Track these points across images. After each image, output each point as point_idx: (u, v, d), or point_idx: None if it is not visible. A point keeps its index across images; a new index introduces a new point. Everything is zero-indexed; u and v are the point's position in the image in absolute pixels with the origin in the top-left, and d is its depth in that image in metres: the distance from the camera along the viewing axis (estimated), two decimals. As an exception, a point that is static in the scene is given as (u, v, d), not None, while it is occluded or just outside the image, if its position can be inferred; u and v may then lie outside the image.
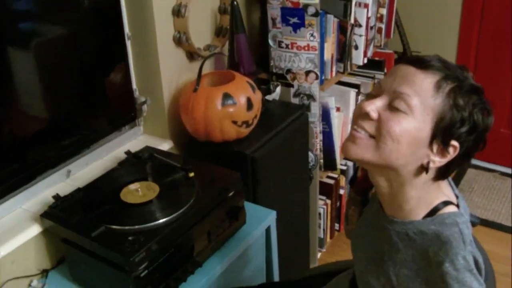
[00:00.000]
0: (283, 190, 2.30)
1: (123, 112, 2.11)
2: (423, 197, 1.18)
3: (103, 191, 1.72)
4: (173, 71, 2.09)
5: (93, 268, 1.58)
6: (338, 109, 2.60)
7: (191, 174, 1.75)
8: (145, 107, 2.12)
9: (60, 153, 1.90)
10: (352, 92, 2.65)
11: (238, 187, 1.80)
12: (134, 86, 2.10)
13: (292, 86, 2.38)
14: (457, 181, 3.56)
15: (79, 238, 1.56)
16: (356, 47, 2.52)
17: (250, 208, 1.92)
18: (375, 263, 1.27)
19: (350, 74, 2.69)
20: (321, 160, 2.60)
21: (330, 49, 2.37)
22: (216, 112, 1.95)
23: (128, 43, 2.04)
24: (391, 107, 1.11)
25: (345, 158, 2.86)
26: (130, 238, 1.49)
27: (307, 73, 2.31)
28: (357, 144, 1.15)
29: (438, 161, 1.13)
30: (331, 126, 2.52)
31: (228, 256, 1.78)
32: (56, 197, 1.70)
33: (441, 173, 1.16)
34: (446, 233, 1.12)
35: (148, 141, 2.14)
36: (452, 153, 1.12)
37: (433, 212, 1.17)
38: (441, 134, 1.10)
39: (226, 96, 1.95)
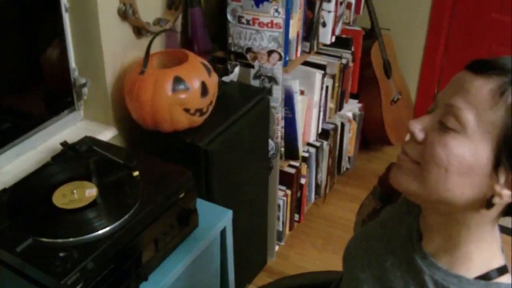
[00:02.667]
0: (240, 183, 2.14)
1: (60, 95, 1.90)
2: (480, 248, 0.96)
3: (32, 192, 1.52)
4: (117, 49, 1.89)
5: (19, 287, 1.38)
6: (302, 93, 2.43)
7: (135, 173, 1.55)
8: (85, 89, 1.90)
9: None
10: (318, 73, 2.49)
11: (190, 187, 1.62)
12: (73, 65, 1.89)
13: (252, 67, 2.20)
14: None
15: (2, 253, 1.36)
16: (324, 24, 2.35)
17: (203, 206, 1.74)
18: None
19: (315, 53, 2.52)
20: (282, 149, 2.43)
21: (296, 27, 2.19)
22: (166, 98, 1.76)
23: (66, 16, 1.82)
24: (441, 125, 0.90)
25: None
26: (61, 254, 1.30)
27: (270, 53, 2.13)
28: (400, 171, 0.96)
29: (507, 195, 0.87)
30: (294, 112, 2.35)
31: (178, 265, 1.60)
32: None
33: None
34: None
35: (88, 128, 1.94)
36: None
37: (487, 276, 0.94)
38: (508, 158, 0.85)
39: (178, 80, 1.76)
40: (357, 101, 3.24)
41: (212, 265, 1.88)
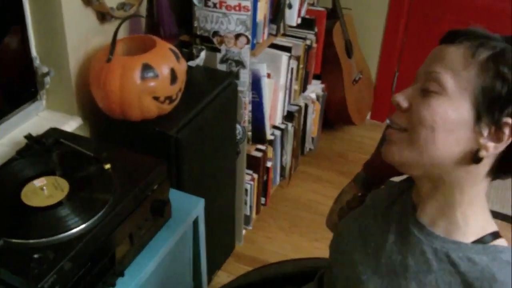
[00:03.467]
0: (209, 170, 2.09)
1: (21, 86, 1.80)
2: (475, 212, 1.00)
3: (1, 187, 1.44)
4: (81, 35, 1.80)
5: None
6: (268, 76, 2.38)
7: (107, 166, 1.49)
8: (48, 78, 1.82)
9: None
10: (284, 56, 2.45)
11: (163, 178, 1.57)
12: (34, 53, 1.80)
13: (219, 50, 2.15)
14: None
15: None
16: (290, 6, 2.31)
17: (175, 196, 1.70)
18: (388, 277, 1.06)
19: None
20: (249, 133, 2.39)
21: (263, 9, 2.14)
22: (134, 87, 1.70)
23: (26, 2, 1.72)
24: (424, 92, 0.97)
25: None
26: (36, 256, 1.24)
27: (237, 36, 2.08)
28: (391, 142, 1.01)
29: (492, 146, 0.93)
30: (262, 95, 2.31)
31: (153, 258, 1.56)
32: None
33: (502, 167, 0.98)
34: (502, 273, 0.93)
35: (52, 118, 1.86)
36: (508, 133, 0.93)
37: (483, 240, 0.99)
38: (487, 111, 0.92)
39: (146, 67, 1.70)
40: (319, 81, 3.22)
41: (185, 254, 1.84)
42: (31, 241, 1.28)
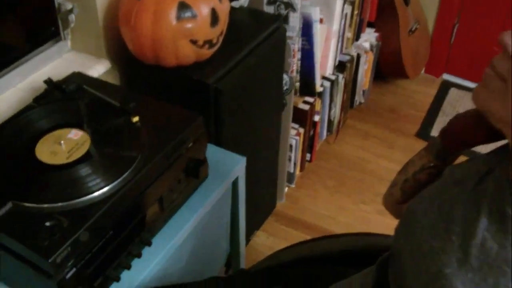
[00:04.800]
0: (251, 124, 1.88)
1: (43, 23, 1.60)
2: None
3: (11, 143, 1.25)
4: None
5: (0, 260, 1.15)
6: (321, 21, 2.14)
7: (135, 119, 1.29)
8: (72, 16, 1.61)
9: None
10: (339, 0, 2.19)
11: (200, 134, 1.37)
12: (56, -13, 1.59)
13: (266, -10, 1.91)
14: (439, 102, 3.21)
15: (-26, 219, 1.11)
16: None
17: (213, 153, 1.50)
18: (481, 271, 0.82)
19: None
20: (297, 83, 2.17)
21: None
22: (169, 28, 1.49)
23: None
24: None
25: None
26: (48, 223, 1.06)
27: (287, -26, 1.84)
28: (484, 87, 0.82)
29: None
30: (313, 43, 2.08)
31: (185, 225, 1.37)
32: None
33: None
34: None
35: (77, 61, 1.66)
36: None
37: None
38: None
39: (183, 6, 1.48)
40: (373, 30, 2.95)
41: (222, 219, 1.65)
42: (45, 205, 1.10)
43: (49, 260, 1.00)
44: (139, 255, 1.25)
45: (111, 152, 1.22)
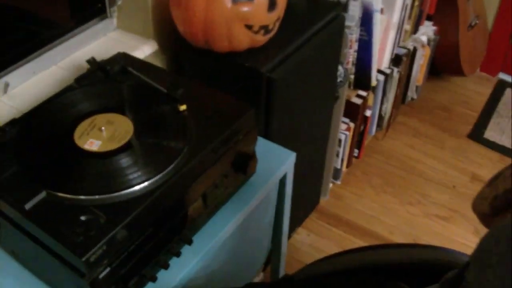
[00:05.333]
0: (302, 118, 1.77)
1: (88, 0, 1.51)
2: None
3: (48, 126, 1.17)
4: None
5: (30, 250, 1.06)
6: (381, 11, 2.01)
7: (183, 107, 1.19)
8: (120, -8, 1.52)
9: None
10: (401, -12, 2.06)
11: (250, 127, 1.26)
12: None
13: (326, -25, 1.79)
14: (493, 103, 3.05)
15: (6, 208, 1.03)
16: None
17: (261, 146, 1.39)
18: None
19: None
20: (352, 76, 2.05)
21: None
22: (224, 11, 1.38)
23: None
24: None
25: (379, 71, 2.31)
26: (83, 217, 0.97)
27: (350, -41, 1.71)
28: None
29: None
30: (372, 33, 1.95)
31: (228, 223, 1.27)
32: (-20, 131, 1.15)
33: None
34: None
35: (122, 40, 1.57)
36: None
37: None
38: None
39: (240, -13, 1.37)
40: (432, 23, 2.80)
41: (266, 218, 1.55)
42: (81, 197, 1.01)
43: (83, 259, 0.91)
44: (178, 254, 1.16)
45: (155, 142, 1.13)
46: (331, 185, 2.47)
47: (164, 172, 1.06)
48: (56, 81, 1.41)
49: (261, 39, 1.48)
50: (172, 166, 1.07)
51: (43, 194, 1.00)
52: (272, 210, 1.57)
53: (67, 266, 0.96)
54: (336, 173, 2.42)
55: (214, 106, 1.24)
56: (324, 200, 2.44)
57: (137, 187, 1.02)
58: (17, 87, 1.39)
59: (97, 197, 1.00)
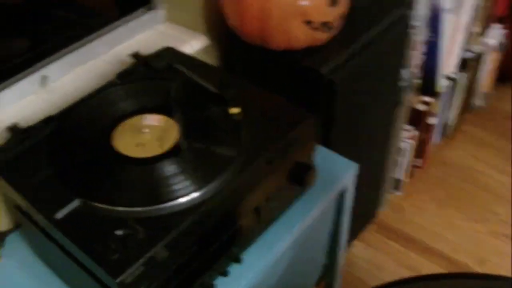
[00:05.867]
0: (362, 124, 1.64)
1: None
2: None
3: (86, 126, 1.06)
4: None
5: (60, 261, 0.96)
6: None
7: (235, 110, 1.07)
8: (168, -17, 1.42)
9: (33, 48, 1.25)
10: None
11: (309, 136, 1.13)
12: None
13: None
14: None
15: (36, 215, 0.93)
16: None
17: (320, 155, 1.27)
18: None
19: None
20: (416, 80, 1.90)
21: None
22: (281, 5, 1.27)
23: None
24: None
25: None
26: (120, 232, 0.86)
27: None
28: None
29: None
30: (440, 35, 1.79)
31: (282, 239, 1.15)
32: (13, 129, 1.05)
33: None
34: None
35: (170, 33, 1.47)
36: None
37: None
38: None
39: (300, -21, 1.25)
40: (502, 26, 2.62)
41: (322, 232, 1.43)
42: (119, 208, 0.89)
43: (117, 280, 0.80)
44: (225, 274, 1.04)
45: (203, 148, 1.01)
46: (390, 196, 2.32)
47: (214, 183, 0.94)
48: (97, 75, 1.31)
49: (322, 37, 1.35)
50: (223, 176, 0.95)
51: (76, 203, 0.90)
52: (329, 224, 1.44)
53: (100, 285, 0.86)
54: (397, 184, 2.27)
55: (269, 111, 1.12)
56: (382, 212, 2.30)
57: (182, 199, 0.91)
58: (56, 80, 1.30)
59: (136, 209, 0.89)
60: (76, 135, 1.04)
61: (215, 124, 1.06)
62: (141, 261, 0.82)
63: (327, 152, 1.34)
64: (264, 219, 1.10)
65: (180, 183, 0.93)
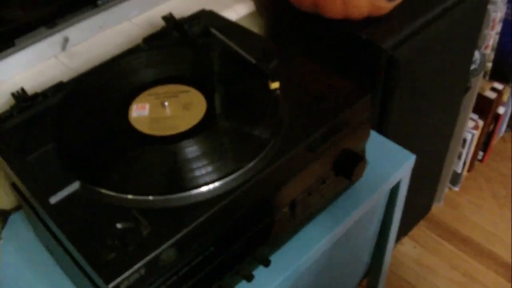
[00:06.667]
0: (424, 110, 1.46)
1: None
2: None
3: (100, 96, 0.92)
4: None
5: (55, 248, 0.83)
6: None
7: (275, 85, 0.91)
8: None
9: (55, 5, 1.10)
10: None
11: (363, 118, 0.97)
12: None
13: None
14: None
15: (30, 197, 0.79)
16: None
17: (372, 143, 1.10)
18: None
19: None
20: (489, 64, 1.70)
21: None
22: (341, -35, 1.08)
23: None
24: None
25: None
26: (121, 225, 0.71)
27: None
28: None
29: None
30: (521, 13, 1.60)
31: (320, 240, 0.99)
32: (17, 96, 0.91)
33: None
34: None
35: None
36: None
37: None
38: None
39: None
40: None
41: (368, 231, 1.27)
42: (125, 196, 0.74)
43: (110, 285, 0.65)
44: (250, 278, 0.88)
45: (233, 128, 0.86)
46: (446, 190, 2.13)
47: (242, 171, 0.79)
48: (127, 40, 1.17)
49: (385, 5, 1.17)
50: (254, 162, 0.80)
51: (75, 186, 0.76)
52: (376, 222, 1.28)
53: (93, 285, 0.72)
54: (455, 178, 2.09)
55: (316, 87, 0.95)
56: (437, 208, 2.12)
57: (203, 188, 0.76)
58: (79, 43, 1.15)
59: (145, 198, 0.74)
60: (87, 105, 0.89)
61: (250, 101, 0.90)
62: (142, 263, 0.67)
63: (381, 140, 1.17)
64: (300, 216, 0.95)
65: (201, 168, 0.78)
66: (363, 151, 1.03)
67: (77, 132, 0.84)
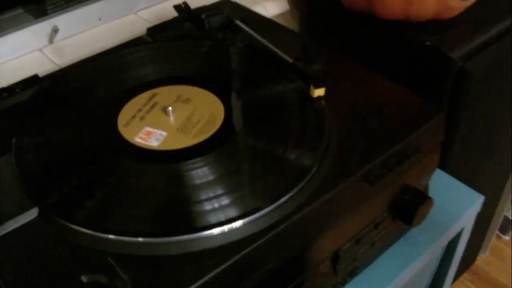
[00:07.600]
0: (491, 140, 1.22)
1: None
2: None
3: (81, 97, 0.70)
4: None
5: None
6: None
7: (319, 92, 0.68)
8: None
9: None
10: None
11: (433, 145, 0.73)
12: None
13: None
14: None
15: None
16: None
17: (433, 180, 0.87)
18: None
19: None
20: None
21: None
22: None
23: None
24: None
25: None
26: (86, 278, 0.48)
27: None
28: None
29: None
30: None
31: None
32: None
33: None
34: None
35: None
36: None
37: None
38: None
39: None
40: None
41: (419, 285, 1.03)
42: (101, 235, 0.51)
43: None
44: None
45: (260, 147, 0.62)
46: (493, 239, 1.90)
47: (272, 207, 0.55)
48: (131, 35, 0.96)
49: (456, 5, 0.95)
50: (287, 196, 0.57)
51: (32, 214, 0.53)
52: (428, 277, 1.04)
53: None
54: (506, 226, 1.86)
55: (372, 99, 0.72)
56: (482, 258, 1.88)
57: (215, 230, 0.53)
58: (71, 36, 0.95)
59: (132, 239, 0.51)
60: (64, 106, 0.67)
61: (285, 111, 0.67)
62: None
63: (441, 175, 0.94)
64: (344, 270, 0.71)
65: (212, 200, 0.55)
66: (426, 187, 0.80)
67: (44, 140, 0.62)
